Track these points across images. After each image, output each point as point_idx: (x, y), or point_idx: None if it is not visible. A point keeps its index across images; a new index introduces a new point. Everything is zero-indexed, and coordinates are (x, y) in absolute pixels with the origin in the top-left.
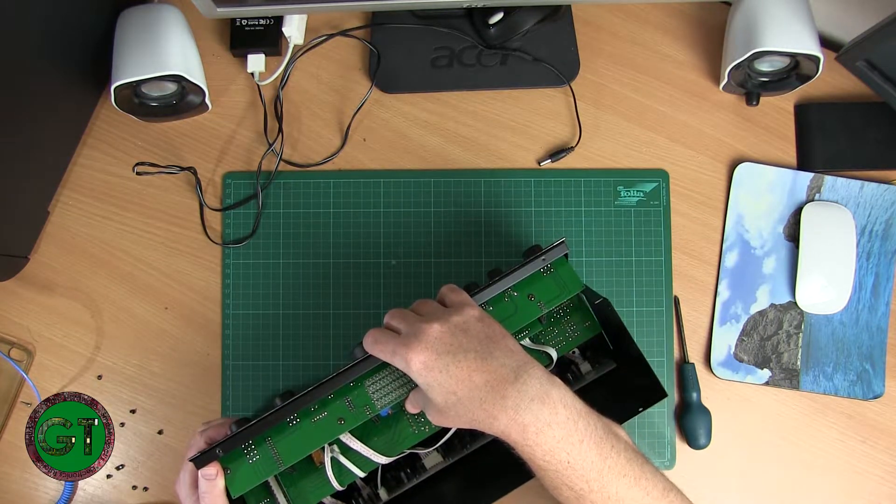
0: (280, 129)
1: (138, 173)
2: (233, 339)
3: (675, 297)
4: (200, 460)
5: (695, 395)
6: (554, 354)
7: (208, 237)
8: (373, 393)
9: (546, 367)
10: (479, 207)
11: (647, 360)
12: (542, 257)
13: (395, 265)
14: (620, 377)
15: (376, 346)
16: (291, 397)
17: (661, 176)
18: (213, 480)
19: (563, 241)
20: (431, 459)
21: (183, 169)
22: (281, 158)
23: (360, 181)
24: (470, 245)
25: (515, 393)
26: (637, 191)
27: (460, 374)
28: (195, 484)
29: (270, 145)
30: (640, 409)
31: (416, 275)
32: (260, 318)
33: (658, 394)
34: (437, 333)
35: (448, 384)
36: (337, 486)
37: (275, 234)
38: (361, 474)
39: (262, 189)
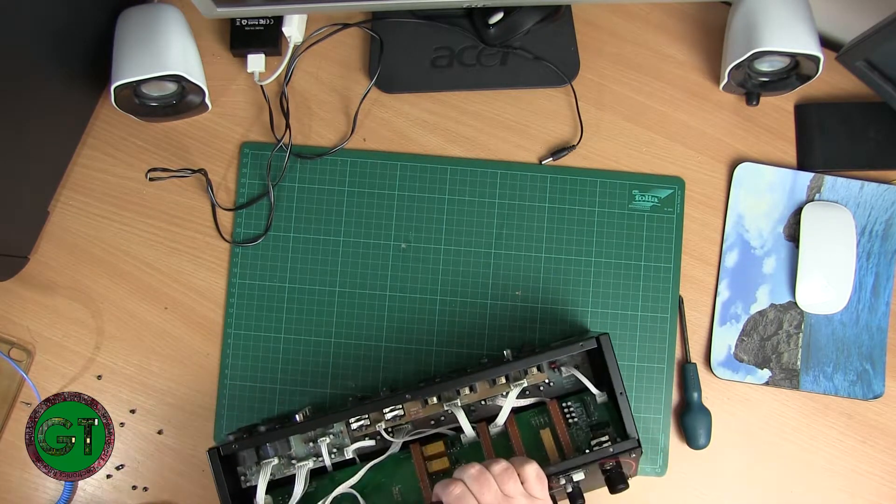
0: (287, 125)
1: (151, 179)
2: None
3: (680, 296)
4: None
5: (695, 395)
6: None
7: (221, 236)
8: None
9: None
10: (494, 199)
11: (649, 363)
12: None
13: (405, 249)
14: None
15: None
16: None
17: (676, 183)
18: None
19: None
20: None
21: (194, 172)
22: (290, 152)
23: (378, 162)
24: (481, 235)
25: None
26: (652, 196)
27: None
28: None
29: (279, 140)
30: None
31: (426, 260)
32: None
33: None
34: None
35: None
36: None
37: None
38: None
39: (274, 185)
